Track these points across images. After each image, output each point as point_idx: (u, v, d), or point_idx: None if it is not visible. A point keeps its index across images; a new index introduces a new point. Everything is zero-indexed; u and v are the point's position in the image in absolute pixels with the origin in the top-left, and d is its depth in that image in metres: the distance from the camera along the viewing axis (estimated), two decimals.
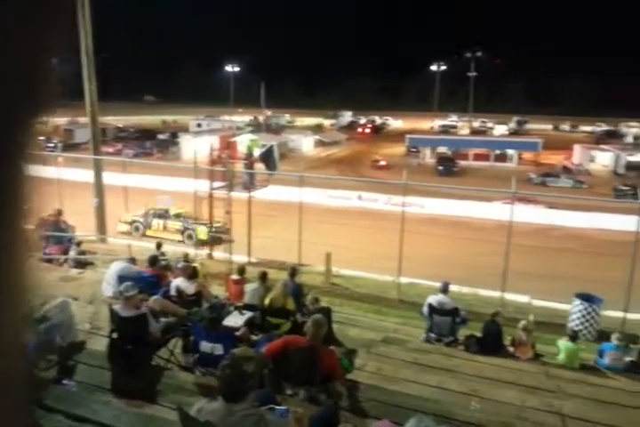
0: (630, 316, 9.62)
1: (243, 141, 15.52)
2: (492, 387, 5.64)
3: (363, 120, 71.58)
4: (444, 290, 8.09)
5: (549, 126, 67.47)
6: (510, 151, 39.68)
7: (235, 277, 8.17)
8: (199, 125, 55.04)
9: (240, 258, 12.63)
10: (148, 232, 17.82)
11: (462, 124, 63.88)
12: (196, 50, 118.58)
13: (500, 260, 10.61)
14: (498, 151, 39.81)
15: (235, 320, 6.22)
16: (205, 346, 5.20)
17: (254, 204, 13.85)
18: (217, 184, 13.41)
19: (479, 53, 65.07)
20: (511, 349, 7.33)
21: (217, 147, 15.82)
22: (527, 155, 39.77)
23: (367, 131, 62.59)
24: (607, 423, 5.09)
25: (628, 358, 7.26)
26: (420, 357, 6.63)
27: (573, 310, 9.46)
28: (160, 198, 18.07)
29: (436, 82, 70.90)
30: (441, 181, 30.80)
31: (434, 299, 7.96)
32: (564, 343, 7.23)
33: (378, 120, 72.54)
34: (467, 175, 33.86)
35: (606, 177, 33.79)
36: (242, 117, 66.30)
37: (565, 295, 10.21)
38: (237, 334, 5.78)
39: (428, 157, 40.47)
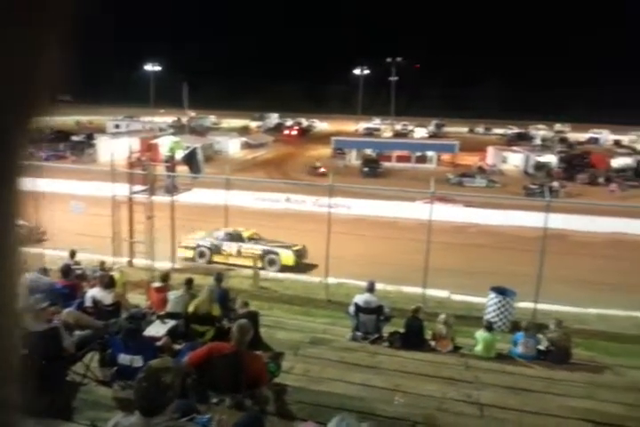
0: (540, 306, 10.34)
1: (164, 143, 14.98)
2: (415, 381, 5.85)
3: (289, 122, 71.79)
4: (370, 289, 8.30)
5: (465, 129, 71.10)
6: (430, 153, 41.42)
7: (157, 284, 7.89)
8: (117, 126, 52.65)
9: (163, 264, 12.22)
10: (217, 258, 15.24)
11: (385, 127, 65.81)
12: (114, 47, 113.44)
13: (422, 257, 11.04)
14: (418, 153, 41.41)
15: (156, 330, 6.00)
16: (124, 358, 4.97)
17: (178, 208, 13.45)
18: (137, 188, 12.89)
19: (399, 59, 67.38)
20: (432, 343, 7.64)
21: (137, 149, 15.20)
22: (445, 156, 41.68)
23: (294, 133, 62.82)
24: (521, 409, 5.43)
25: (538, 347, 7.80)
26: (346, 355, 6.74)
27: (489, 302, 10.03)
28: (72, 204, 16.99)
29: (360, 86, 72.60)
30: (366, 182, 31.55)
31: (360, 298, 8.14)
32: (481, 334, 7.64)
33: (304, 122, 73.05)
34: (390, 176, 34.90)
35: (517, 176, 36.14)
36: (164, 119, 64.21)
37: (482, 289, 10.79)
38: (159, 344, 5.58)
39: (353, 158, 41.29)
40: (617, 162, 37.93)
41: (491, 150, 43.11)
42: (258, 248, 15.03)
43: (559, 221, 18.76)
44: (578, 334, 8.95)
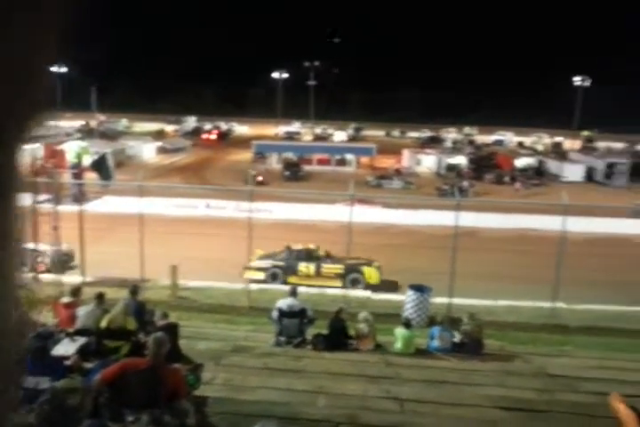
0: (454, 301, 10.87)
1: (71, 149, 14.08)
2: (338, 381, 5.92)
3: (208, 126, 70.34)
4: (293, 293, 8.31)
5: (382, 133, 73.47)
6: (349, 156, 42.34)
7: (65, 300, 7.39)
8: None
9: (73, 278, 11.47)
10: (292, 279, 13.57)
11: (305, 131, 66.41)
12: None
13: None
14: (338, 156, 42.20)
15: (65, 349, 5.62)
16: (29, 381, 4.61)
17: (87, 217, 12.70)
18: (41, 197, 12.02)
19: (317, 63, 68.33)
20: (355, 342, 7.79)
21: (40, 155, 14.19)
22: (364, 159, 42.80)
23: (213, 137, 61.58)
24: (439, 402, 5.66)
25: (453, 340, 8.18)
26: (270, 361, 6.69)
27: (407, 300, 10.39)
28: None
29: (279, 89, 72.79)
30: (288, 185, 31.61)
31: (283, 303, 8.12)
32: (399, 331, 7.89)
33: (223, 126, 71.91)
34: (312, 179, 35.23)
35: (431, 178, 37.84)
36: (71, 123, 60.44)
37: (402, 287, 11.20)
38: (68, 363, 5.23)
39: (274, 162, 41.24)
40: (520, 162, 40.86)
41: (406, 153, 44.82)
42: (339, 267, 13.67)
43: (470, 219, 19.83)
44: (489, 326, 9.47)
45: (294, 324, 7.96)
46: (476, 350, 7.97)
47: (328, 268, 13.96)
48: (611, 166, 37.80)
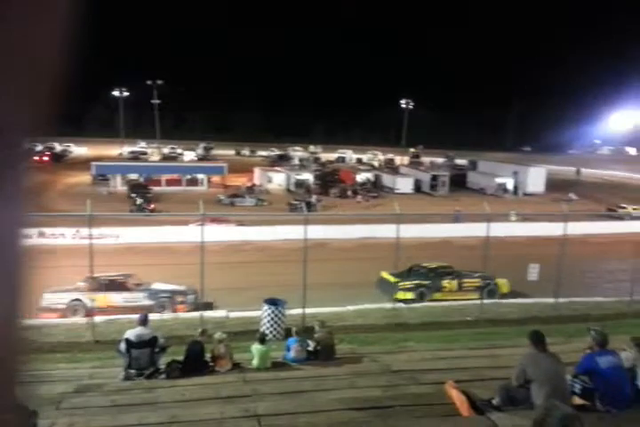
0: (308, 311, 11.29)
1: None
2: (193, 408, 5.76)
3: (39, 147, 63.44)
4: (143, 321, 7.89)
5: (232, 152, 73.55)
6: (200, 175, 41.61)
7: None
8: None
9: None
10: (436, 296, 14.35)
11: (152, 151, 63.60)
12: None
13: (197, 280, 10.98)
14: (189, 176, 41.20)
15: None
16: None
17: None
18: None
19: (161, 82, 66.14)
20: (211, 364, 7.66)
21: None
22: (215, 178, 42.39)
23: (45, 159, 55.77)
24: (295, 412, 5.82)
25: (308, 349, 8.49)
26: (118, 397, 6.25)
27: (263, 314, 10.53)
28: None
29: (120, 108, 68.72)
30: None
31: (131, 333, 7.67)
32: (256, 347, 7.96)
33: (58, 147, 65.54)
34: (162, 201, 33.82)
35: (282, 194, 38.90)
36: None
37: (259, 302, 11.27)
38: None
39: (118, 184, 38.73)
40: (360, 177, 44.19)
41: (257, 171, 45.48)
42: (477, 280, 14.59)
43: (319, 232, 20.84)
44: (340, 331, 10.04)
45: (145, 354, 7.55)
46: (329, 356, 8.37)
47: (469, 282, 14.86)
48: (435, 178, 42.79)
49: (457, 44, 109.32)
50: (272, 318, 10.38)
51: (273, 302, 10.61)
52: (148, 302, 12.93)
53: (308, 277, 11.31)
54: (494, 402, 5.57)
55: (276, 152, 67.06)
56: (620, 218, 26.50)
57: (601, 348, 5.55)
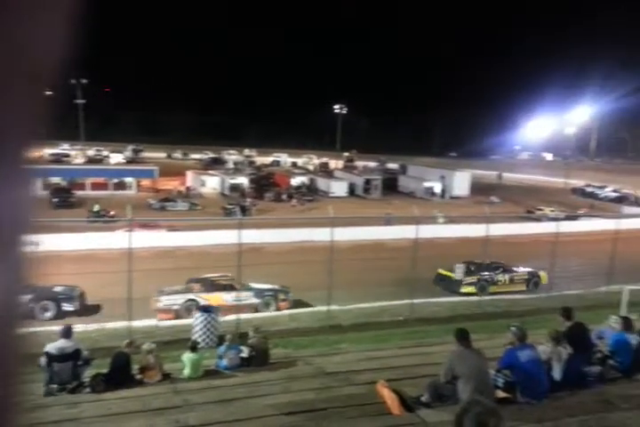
0: (242, 316, 11.14)
1: None
2: (120, 422, 5.51)
3: None
4: (66, 334, 7.45)
5: (163, 155, 71.32)
6: (129, 179, 39.98)
7: None
8: None
9: None
10: (492, 289, 15.87)
11: (76, 153, 60.36)
12: None
13: (124, 289, 10.52)
14: (116, 179, 39.49)
15: None
16: None
17: None
18: None
19: (85, 80, 63.07)
20: (139, 376, 7.36)
21: None
22: (145, 182, 40.90)
23: None
24: (227, 420, 5.71)
25: (241, 355, 8.37)
26: (38, 415, 5.86)
27: (196, 322, 10.26)
28: None
29: None
30: (58, 213, 28.21)
31: (52, 346, 7.22)
32: (187, 356, 7.74)
33: None
34: (87, 205, 32.17)
35: (216, 198, 38.20)
36: None
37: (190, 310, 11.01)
38: None
39: (38, 188, 36.39)
40: (295, 181, 44.32)
41: (190, 175, 44.37)
42: (525, 273, 16.57)
43: (255, 236, 20.65)
44: (275, 335, 9.99)
45: (67, 368, 7.14)
46: (264, 362, 8.30)
47: (518, 275, 16.61)
48: (368, 182, 43.75)
49: (388, 50, 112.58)
50: (205, 326, 10.14)
51: (206, 310, 10.38)
52: (255, 301, 13.58)
53: (241, 282, 11.18)
54: (423, 399, 5.75)
55: (210, 155, 65.77)
56: (538, 219, 28.30)
57: (520, 342, 5.89)
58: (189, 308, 12.72)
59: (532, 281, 16.70)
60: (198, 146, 74.34)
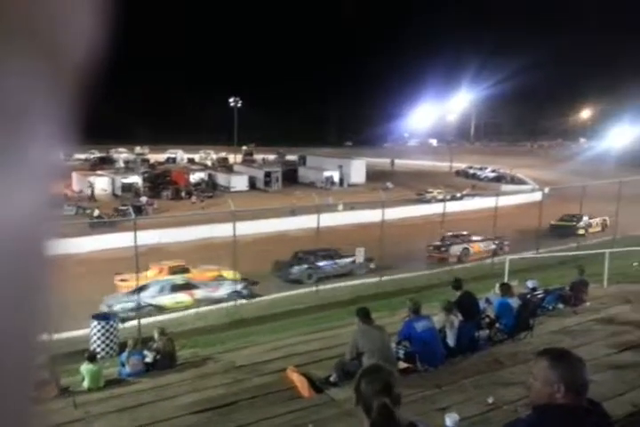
0: (143, 321, 10.66)
1: None
2: None
3: None
4: None
5: None
6: None
7: None
8: None
9: None
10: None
11: None
12: None
13: None
14: None
15: None
16: None
17: None
18: None
19: None
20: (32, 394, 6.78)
21: None
22: None
23: None
24: (133, 426, 5.48)
25: (146, 360, 8.02)
26: None
27: (93, 331, 9.66)
28: None
29: None
30: None
31: None
32: (85, 367, 7.27)
33: None
34: None
35: (108, 200, 35.97)
36: None
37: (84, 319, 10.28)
38: None
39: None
40: (194, 177, 43.00)
41: (75, 176, 41.27)
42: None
43: (154, 237, 19.79)
44: (181, 336, 9.70)
45: None
46: (171, 364, 8.03)
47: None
48: (268, 175, 43.70)
49: (281, 42, 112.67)
50: (103, 334, 9.57)
51: (103, 317, 9.79)
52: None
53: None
54: (331, 379, 5.93)
55: (97, 154, 61.57)
56: (428, 201, 30.12)
57: (415, 314, 6.27)
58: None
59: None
60: (83, 145, 69.32)
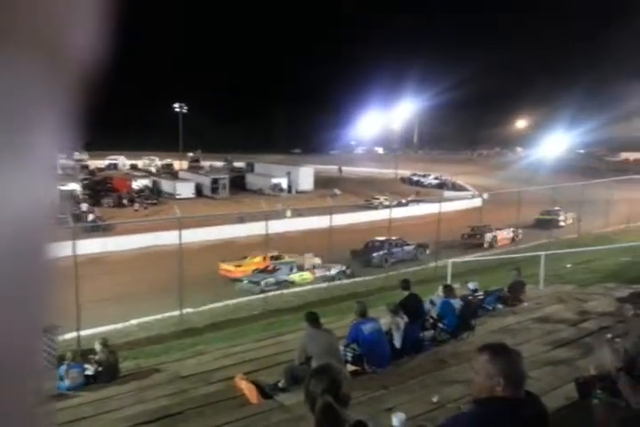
0: (84, 333, 10.20)
1: None
2: None
3: None
4: None
5: None
6: None
7: None
8: None
9: None
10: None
11: None
12: None
13: None
14: None
15: None
16: None
17: None
18: None
19: None
20: None
21: None
22: None
23: None
24: None
25: (86, 373, 7.68)
26: None
27: None
28: None
29: None
30: None
31: None
32: None
33: None
34: None
35: None
36: None
37: None
38: None
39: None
40: (137, 184, 41.67)
41: None
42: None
43: (95, 246, 19.05)
44: (124, 347, 9.35)
45: None
46: (113, 376, 7.73)
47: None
48: (215, 182, 43.07)
49: (229, 49, 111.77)
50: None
51: (43, 330, 9.27)
52: None
53: (80, 297, 10.21)
54: (280, 385, 5.89)
55: None
56: (375, 207, 30.66)
57: (362, 317, 6.36)
58: None
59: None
60: None
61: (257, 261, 17.71)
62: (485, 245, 21.89)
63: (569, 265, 15.09)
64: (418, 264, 18.31)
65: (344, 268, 17.44)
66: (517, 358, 2.15)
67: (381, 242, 19.31)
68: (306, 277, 16.66)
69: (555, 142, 64.95)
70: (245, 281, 15.92)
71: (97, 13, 0.37)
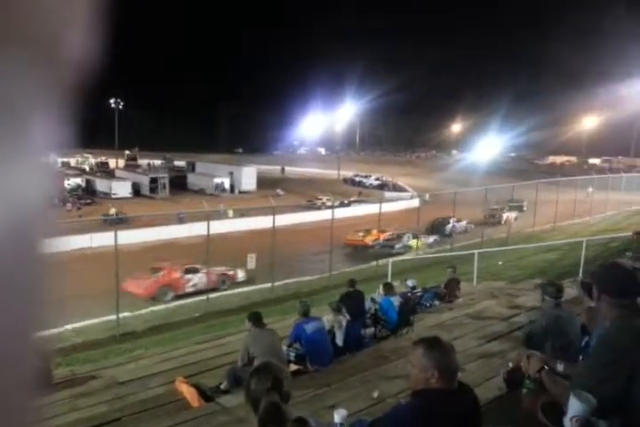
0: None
1: None
2: None
3: None
4: None
5: None
6: None
7: None
8: None
9: None
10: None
11: None
12: None
13: None
14: None
15: None
16: None
17: None
18: None
19: None
20: None
21: None
22: None
23: None
24: None
25: None
26: None
27: None
28: None
29: None
30: None
31: None
32: None
33: None
34: None
35: None
36: None
37: None
38: None
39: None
40: (69, 183, 39.71)
41: None
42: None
43: None
44: (58, 354, 8.92)
45: None
46: (45, 384, 7.35)
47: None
48: (154, 181, 41.79)
49: (172, 45, 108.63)
50: None
51: None
52: None
53: None
54: (222, 387, 5.84)
55: None
56: (318, 208, 30.89)
57: (305, 316, 6.42)
58: None
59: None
60: None
61: (375, 234, 22.79)
62: (503, 223, 26.54)
63: (500, 262, 15.87)
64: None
65: (437, 237, 23.22)
66: (450, 350, 2.27)
67: (445, 219, 24.58)
68: (419, 244, 21.87)
69: (488, 146, 68.14)
70: (379, 247, 21.60)
71: (93, 13, 0.39)
